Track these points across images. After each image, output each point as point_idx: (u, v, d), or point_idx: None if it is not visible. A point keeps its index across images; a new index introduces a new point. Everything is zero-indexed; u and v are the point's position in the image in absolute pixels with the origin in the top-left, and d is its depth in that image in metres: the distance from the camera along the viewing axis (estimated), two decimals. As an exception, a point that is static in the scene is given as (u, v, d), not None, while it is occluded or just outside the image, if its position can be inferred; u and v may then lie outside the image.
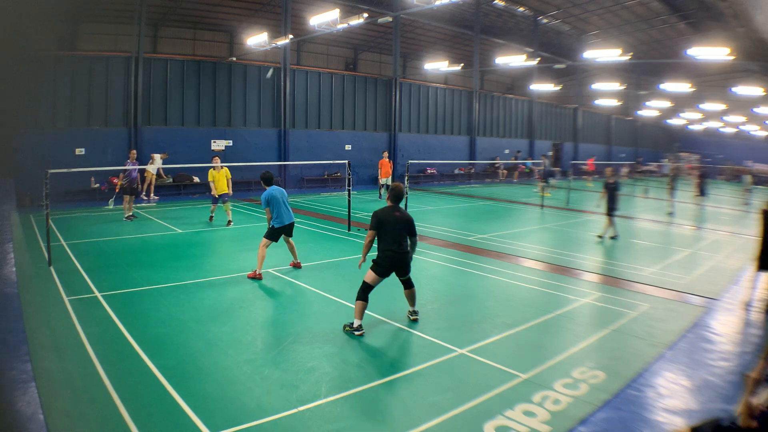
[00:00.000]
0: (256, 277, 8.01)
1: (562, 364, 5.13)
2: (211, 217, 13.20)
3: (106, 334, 5.59)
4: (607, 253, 10.85)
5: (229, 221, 12.74)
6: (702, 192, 18.19)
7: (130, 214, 13.02)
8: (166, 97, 19.31)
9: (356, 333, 5.75)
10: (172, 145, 18.62)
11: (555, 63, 27.72)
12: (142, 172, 15.88)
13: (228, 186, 12.74)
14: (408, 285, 6.18)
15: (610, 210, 11.92)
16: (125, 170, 12.76)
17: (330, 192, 21.51)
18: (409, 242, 6.03)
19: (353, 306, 5.87)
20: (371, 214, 5.96)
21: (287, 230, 8.28)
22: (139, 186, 13.72)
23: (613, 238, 12.11)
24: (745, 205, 21.15)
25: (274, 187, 8.21)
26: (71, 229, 11.68)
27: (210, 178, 12.59)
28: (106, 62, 17.78)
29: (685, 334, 6.06)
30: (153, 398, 4.24)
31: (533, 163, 27.32)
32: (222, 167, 12.73)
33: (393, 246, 5.82)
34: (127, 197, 13.02)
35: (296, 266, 8.66)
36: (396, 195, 5.97)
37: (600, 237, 12.09)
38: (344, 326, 5.91)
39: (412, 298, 6.26)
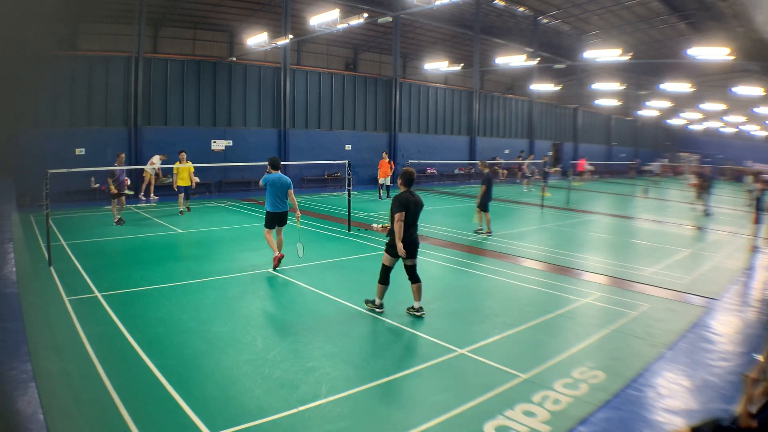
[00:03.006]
0: (279, 258, 8.42)
1: (562, 364, 5.13)
2: (182, 211, 14.20)
3: (106, 334, 5.59)
4: (608, 253, 10.85)
5: (181, 211, 14.18)
6: (704, 193, 18.28)
7: (119, 217, 12.45)
8: (166, 97, 19.30)
9: (377, 310, 6.43)
10: (172, 145, 18.59)
11: (555, 63, 27.69)
12: (130, 174, 16.01)
13: (191, 180, 14.27)
14: (414, 275, 6.41)
15: (485, 204, 12.02)
16: (113, 174, 12.40)
17: (330, 192, 21.51)
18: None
19: (354, 306, 5.90)
20: (393, 200, 6.23)
21: (278, 218, 8.50)
22: (125, 188, 13.19)
23: (479, 231, 12.25)
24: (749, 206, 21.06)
25: (278, 174, 8.57)
26: (71, 229, 11.68)
27: (174, 170, 14.02)
28: (106, 62, 17.77)
29: (685, 334, 6.06)
30: (153, 398, 4.24)
31: (531, 163, 27.28)
32: (187, 162, 14.10)
33: (409, 230, 6.22)
34: (114, 201, 12.44)
35: (279, 258, 8.52)
36: (408, 179, 6.32)
37: (485, 233, 12.13)
38: (366, 301, 6.59)
39: (419, 294, 6.46)
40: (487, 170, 12.24)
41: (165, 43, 22.96)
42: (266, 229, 8.54)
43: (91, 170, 15.74)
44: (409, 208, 6.15)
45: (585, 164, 31.12)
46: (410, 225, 6.22)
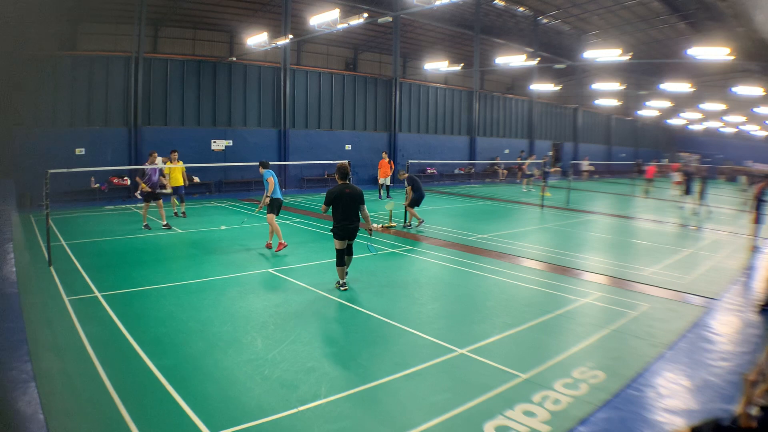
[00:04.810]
0: (283, 246, 9.63)
1: (562, 364, 5.13)
2: (176, 212, 13.85)
3: (106, 334, 5.59)
4: (608, 253, 10.85)
5: (175, 212, 13.83)
6: (687, 191, 18.46)
7: (164, 221, 12.06)
8: (166, 97, 19.30)
9: (342, 288, 7.30)
10: (172, 144, 18.49)
11: (555, 63, 27.68)
12: (132, 175, 15.57)
13: (183, 180, 13.75)
14: (350, 251, 7.42)
15: (416, 202, 12.69)
16: (144, 173, 11.77)
17: (330, 192, 21.46)
18: (360, 214, 7.30)
19: (354, 306, 5.94)
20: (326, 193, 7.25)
21: (280, 205, 9.95)
22: (159, 188, 12.31)
23: (416, 226, 12.85)
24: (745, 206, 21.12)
25: (272, 171, 10.00)
26: (71, 229, 11.68)
27: (166, 171, 13.21)
28: (106, 62, 17.77)
29: (685, 334, 6.06)
30: (153, 398, 4.24)
31: (533, 163, 27.22)
32: (178, 161, 13.52)
33: (346, 219, 7.09)
34: (147, 204, 11.98)
35: (268, 246, 10.03)
36: (343, 173, 7.27)
37: (410, 225, 12.87)
38: (336, 282, 7.47)
39: (348, 264, 7.48)
40: (406, 175, 12.81)
41: (165, 43, 22.95)
42: (272, 215, 9.75)
43: (91, 170, 15.74)
44: (339, 201, 7.05)
45: (654, 170, 31.04)
46: (346, 215, 7.08)
